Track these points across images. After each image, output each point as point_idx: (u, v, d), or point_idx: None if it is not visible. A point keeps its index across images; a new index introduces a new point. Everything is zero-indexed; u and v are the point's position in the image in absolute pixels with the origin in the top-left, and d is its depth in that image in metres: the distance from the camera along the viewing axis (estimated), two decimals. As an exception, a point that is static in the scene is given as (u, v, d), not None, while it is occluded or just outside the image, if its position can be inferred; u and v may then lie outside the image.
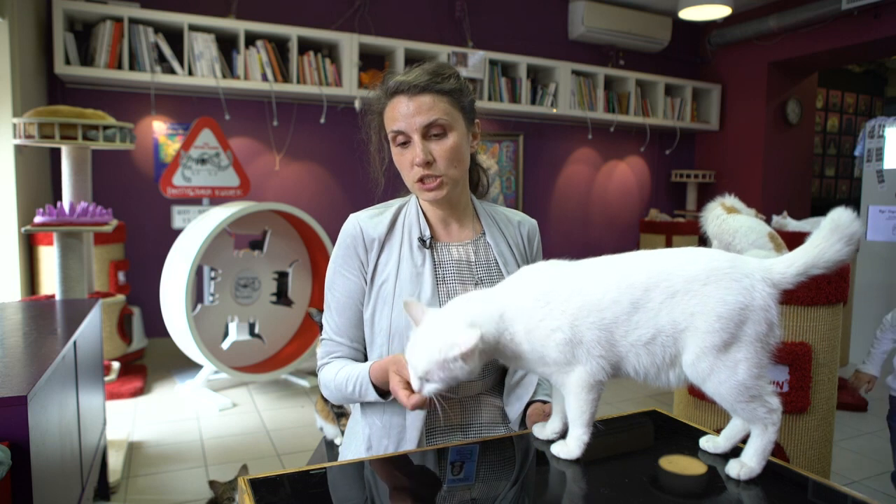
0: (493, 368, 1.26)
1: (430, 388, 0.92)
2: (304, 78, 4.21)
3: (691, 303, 0.88)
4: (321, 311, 2.31)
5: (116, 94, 3.99)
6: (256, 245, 3.71)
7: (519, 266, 1.28)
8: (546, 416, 1.11)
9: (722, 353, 0.87)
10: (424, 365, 0.90)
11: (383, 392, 1.15)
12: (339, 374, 1.20)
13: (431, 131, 1.17)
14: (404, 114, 1.16)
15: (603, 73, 5.30)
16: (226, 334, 3.61)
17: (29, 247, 3.44)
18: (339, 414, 2.19)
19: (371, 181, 1.30)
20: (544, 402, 1.22)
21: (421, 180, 1.18)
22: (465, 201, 1.29)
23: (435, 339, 0.90)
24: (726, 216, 2.50)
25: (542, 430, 1.04)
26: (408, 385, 1.00)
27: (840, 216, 0.87)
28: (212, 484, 2.04)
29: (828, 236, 0.88)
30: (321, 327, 2.26)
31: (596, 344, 0.90)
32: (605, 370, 0.92)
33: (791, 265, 0.90)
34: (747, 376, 0.88)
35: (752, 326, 0.88)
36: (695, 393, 2.13)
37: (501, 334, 0.93)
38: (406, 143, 1.18)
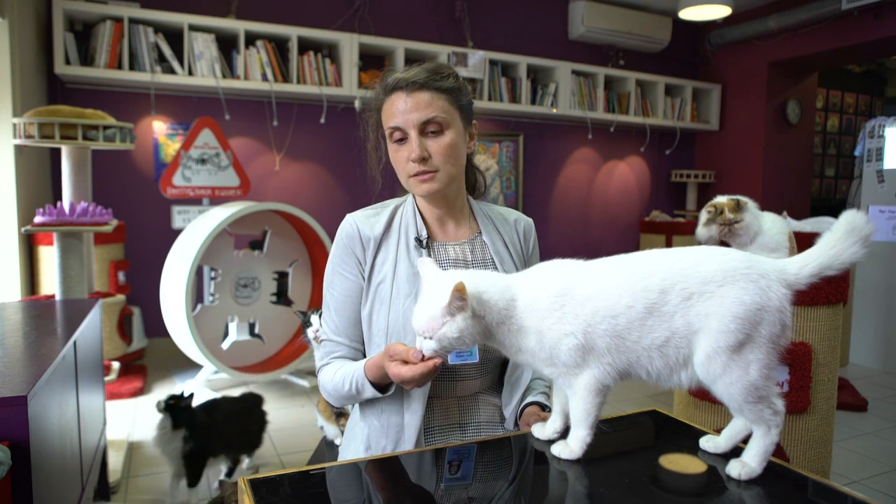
0: (492, 367, 1.26)
1: (428, 346, 0.94)
2: (304, 78, 4.21)
3: (707, 304, 0.88)
4: (302, 312, 2.32)
5: (116, 94, 3.99)
6: (256, 245, 3.71)
7: (515, 264, 1.28)
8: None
9: (736, 353, 0.87)
10: (420, 318, 0.94)
11: (381, 387, 1.15)
12: (335, 375, 1.20)
13: (428, 128, 1.17)
14: (402, 110, 1.16)
15: (603, 73, 5.30)
16: (226, 334, 3.61)
17: (29, 247, 3.44)
18: (339, 414, 2.18)
19: (369, 179, 1.31)
20: (542, 407, 1.22)
21: (415, 174, 1.18)
22: (461, 201, 1.29)
23: (431, 294, 0.93)
24: None
25: (542, 430, 1.04)
26: (405, 362, 1.02)
27: (855, 218, 0.87)
28: (221, 484, 2.06)
29: (843, 238, 0.88)
30: (304, 326, 2.27)
31: (606, 352, 0.91)
32: (613, 376, 0.92)
33: (805, 266, 0.90)
34: (758, 377, 0.88)
35: (766, 327, 0.88)
36: (695, 393, 2.13)
37: (509, 317, 0.93)
38: (403, 140, 1.19)
